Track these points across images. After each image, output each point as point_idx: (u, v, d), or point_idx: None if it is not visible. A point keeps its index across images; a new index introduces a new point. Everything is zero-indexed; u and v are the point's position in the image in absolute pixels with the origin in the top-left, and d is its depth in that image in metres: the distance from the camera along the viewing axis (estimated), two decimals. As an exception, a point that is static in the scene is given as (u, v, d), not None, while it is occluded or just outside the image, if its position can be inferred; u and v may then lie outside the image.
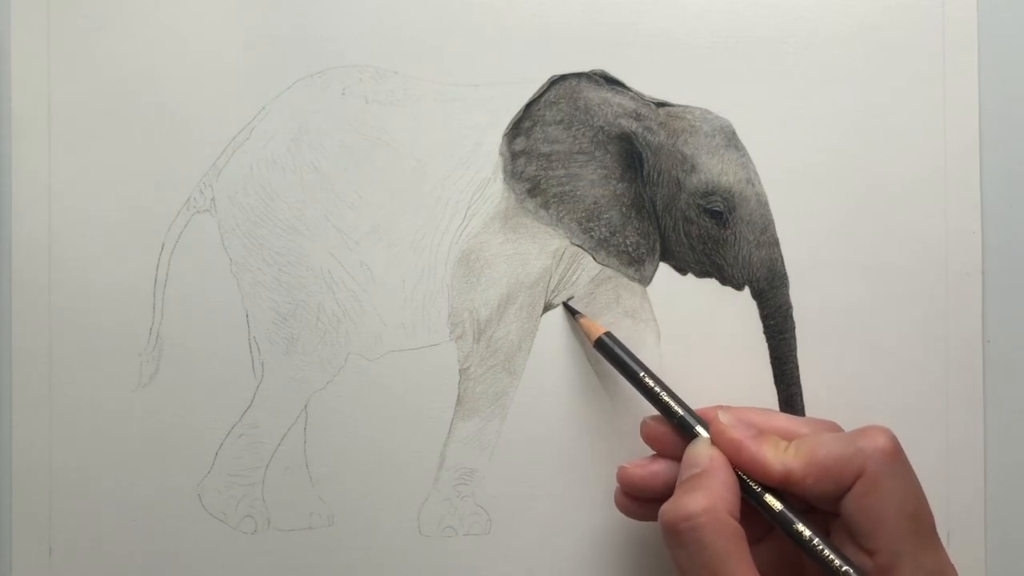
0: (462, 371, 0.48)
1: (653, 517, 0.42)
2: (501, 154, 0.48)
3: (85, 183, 0.47)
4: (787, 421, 0.42)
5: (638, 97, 0.48)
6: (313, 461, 0.47)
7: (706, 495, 0.37)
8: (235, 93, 0.48)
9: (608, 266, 0.48)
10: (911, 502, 0.38)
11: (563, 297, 0.48)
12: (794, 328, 0.47)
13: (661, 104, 0.48)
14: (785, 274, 0.48)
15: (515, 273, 0.48)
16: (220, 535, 0.47)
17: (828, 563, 0.37)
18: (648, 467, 0.42)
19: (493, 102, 0.48)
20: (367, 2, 0.48)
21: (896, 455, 0.38)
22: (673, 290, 0.48)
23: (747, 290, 0.48)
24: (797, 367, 0.47)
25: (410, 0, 0.48)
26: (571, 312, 0.47)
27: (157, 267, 0.47)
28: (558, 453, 0.47)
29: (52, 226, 0.47)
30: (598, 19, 0.48)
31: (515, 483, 0.47)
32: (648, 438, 0.43)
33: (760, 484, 0.39)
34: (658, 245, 0.49)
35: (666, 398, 0.42)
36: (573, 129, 0.48)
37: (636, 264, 0.48)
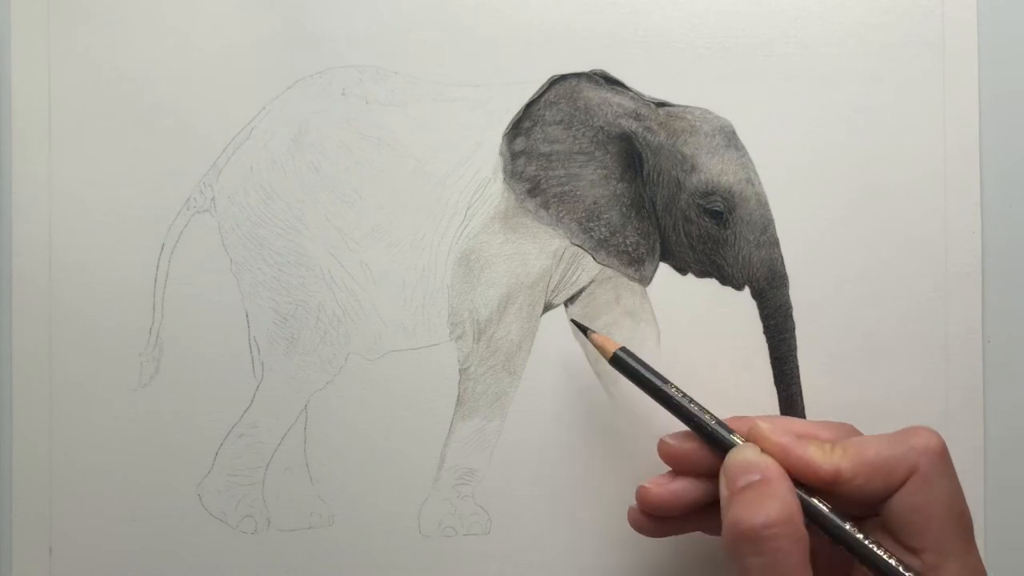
0: (462, 371, 0.48)
1: (668, 533, 0.42)
2: (501, 154, 0.48)
3: (85, 183, 0.47)
4: (806, 426, 0.41)
5: (638, 97, 0.48)
6: (313, 461, 0.47)
7: (782, 503, 0.36)
8: (235, 93, 0.48)
9: (608, 266, 0.48)
10: (958, 502, 0.38)
11: (563, 297, 0.48)
12: (794, 328, 0.47)
13: (661, 104, 0.48)
14: (785, 274, 0.48)
15: (515, 273, 0.48)
16: (220, 535, 0.47)
17: (890, 568, 0.37)
18: (669, 486, 0.41)
19: (493, 102, 0.48)
20: (367, 2, 0.48)
21: (945, 455, 0.38)
22: (673, 290, 0.48)
23: (747, 290, 0.48)
24: (797, 367, 0.47)
25: (410, 0, 0.48)
26: (581, 328, 0.45)
27: (157, 267, 0.47)
28: (558, 453, 0.47)
29: (52, 226, 0.47)
30: (598, 19, 0.48)
31: (515, 483, 0.47)
32: (669, 457, 0.42)
33: (808, 488, 0.39)
34: (658, 245, 0.49)
35: (696, 411, 0.41)
36: (573, 129, 0.48)
37: (636, 264, 0.48)
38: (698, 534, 0.42)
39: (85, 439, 0.47)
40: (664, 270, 0.48)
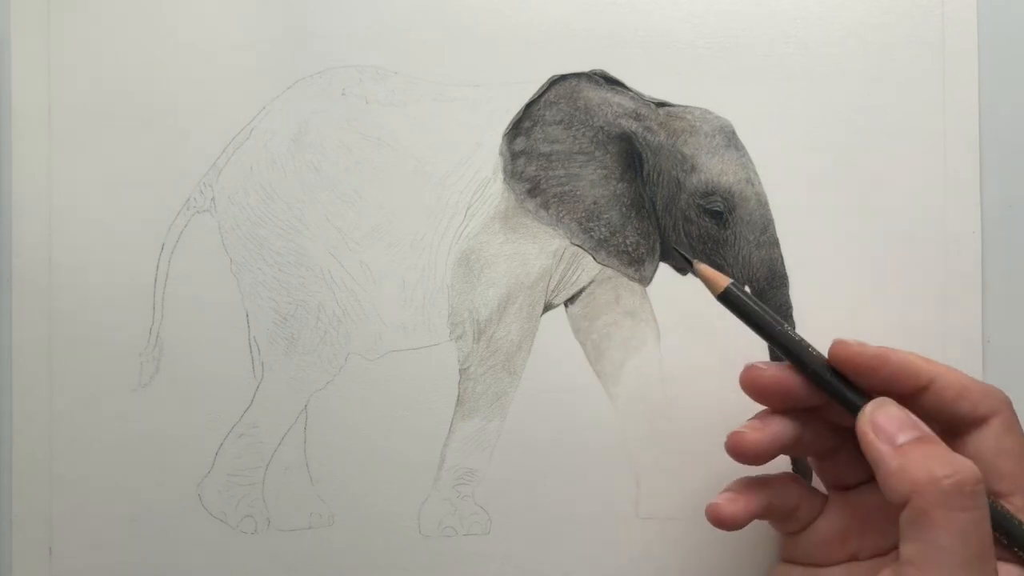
0: (462, 371, 0.48)
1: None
2: (501, 154, 0.48)
3: (85, 183, 0.47)
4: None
5: (638, 97, 0.48)
6: (313, 461, 0.47)
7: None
8: (235, 93, 0.48)
9: (608, 266, 0.48)
10: None
11: (563, 297, 0.48)
12: (794, 328, 0.47)
13: (661, 104, 0.48)
14: (785, 274, 0.48)
15: (515, 273, 0.48)
16: (220, 535, 0.47)
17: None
18: (766, 429, 0.39)
19: (493, 102, 0.48)
20: (367, 2, 0.48)
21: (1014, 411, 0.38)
22: (673, 290, 0.48)
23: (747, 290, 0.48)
24: (797, 367, 0.47)
25: (410, 0, 0.48)
26: (685, 259, 0.42)
27: (157, 267, 0.47)
28: (558, 453, 0.47)
29: (52, 226, 0.47)
30: (598, 19, 0.48)
31: (515, 483, 0.47)
32: (761, 387, 0.40)
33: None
34: (658, 245, 0.49)
35: (816, 355, 0.39)
36: (573, 129, 0.48)
37: (636, 264, 0.48)
38: (697, 536, 0.42)
39: (85, 439, 0.47)
40: (664, 270, 0.48)
